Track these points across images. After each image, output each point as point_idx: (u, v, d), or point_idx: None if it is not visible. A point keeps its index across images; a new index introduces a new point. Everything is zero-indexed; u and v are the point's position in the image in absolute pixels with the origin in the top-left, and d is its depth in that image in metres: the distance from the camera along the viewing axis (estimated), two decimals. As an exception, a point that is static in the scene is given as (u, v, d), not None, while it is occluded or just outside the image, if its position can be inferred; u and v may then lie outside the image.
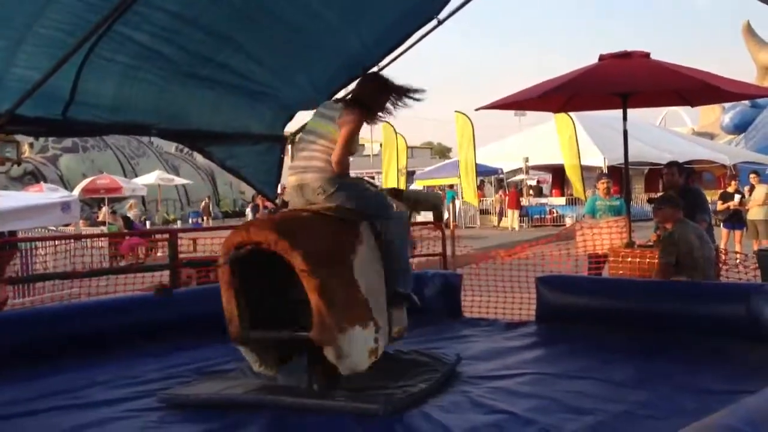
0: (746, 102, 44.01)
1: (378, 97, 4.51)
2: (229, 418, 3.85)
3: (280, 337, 4.20)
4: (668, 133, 39.74)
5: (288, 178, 4.45)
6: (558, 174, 34.12)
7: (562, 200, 32.97)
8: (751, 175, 15.96)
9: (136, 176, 34.50)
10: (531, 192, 36.23)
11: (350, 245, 4.21)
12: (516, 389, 4.26)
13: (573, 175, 30.49)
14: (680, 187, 7.54)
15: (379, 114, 4.57)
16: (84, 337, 5.43)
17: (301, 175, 4.32)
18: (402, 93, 4.52)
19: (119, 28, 5.26)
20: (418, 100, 4.55)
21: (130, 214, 21.67)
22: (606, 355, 4.97)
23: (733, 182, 15.05)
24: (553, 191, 34.66)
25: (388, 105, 4.54)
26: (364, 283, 4.18)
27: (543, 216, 30.54)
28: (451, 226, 13.46)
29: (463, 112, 30.65)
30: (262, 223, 4.45)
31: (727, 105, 46.25)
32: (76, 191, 25.32)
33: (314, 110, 4.72)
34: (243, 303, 4.17)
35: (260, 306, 4.23)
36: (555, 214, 30.20)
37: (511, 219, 29.02)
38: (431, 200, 5.70)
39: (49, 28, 5.00)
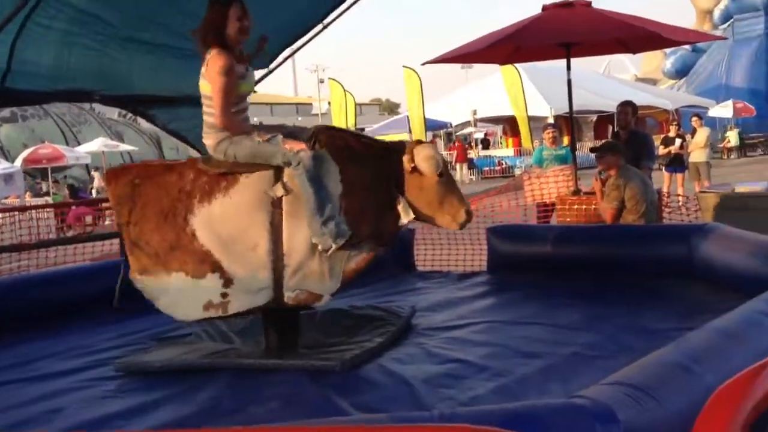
0: (687, 47, 44.72)
1: (224, 16, 3.99)
2: (187, 383, 3.87)
3: None
4: (612, 80, 40.25)
5: None
6: (510, 125, 34.34)
7: (510, 151, 33.25)
8: (693, 119, 16.27)
9: (79, 144, 33.69)
10: (479, 145, 36.46)
11: (199, 196, 4.07)
12: (469, 338, 4.37)
13: (521, 126, 30.82)
14: (630, 129, 7.68)
15: (238, 36, 4.03)
16: (35, 309, 5.37)
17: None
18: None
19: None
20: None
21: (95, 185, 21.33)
22: (555, 300, 5.10)
23: (673, 126, 15.33)
24: (512, 140, 34.65)
25: (240, 22, 4.00)
26: (209, 234, 4.03)
27: (492, 168, 30.80)
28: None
29: (410, 67, 30.66)
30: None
31: (668, 50, 46.94)
32: (18, 162, 24.71)
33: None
34: None
35: None
36: (504, 165, 30.48)
37: (459, 172, 29.21)
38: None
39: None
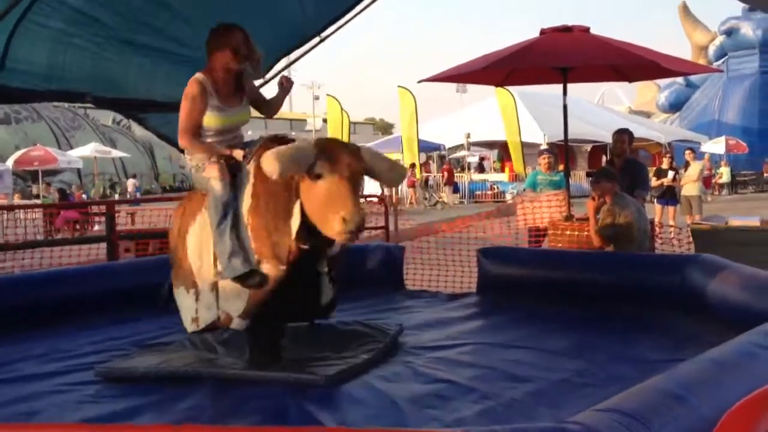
0: (681, 81, 45.17)
1: (214, 48, 4.17)
2: (168, 391, 3.79)
3: None
4: (606, 111, 40.48)
5: None
6: (506, 150, 34.36)
7: (503, 176, 33.27)
8: (687, 152, 16.32)
9: (72, 148, 33.56)
10: (472, 168, 36.50)
11: (194, 212, 4.29)
12: (457, 358, 4.30)
13: (514, 151, 30.88)
14: (625, 158, 7.64)
15: (223, 73, 4.17)
16: (17, 311, 5.27)
17: None
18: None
19: (52, -9, 5.09)
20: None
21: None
22: (544, 324, 5.04)
23: (666, 159, 15.35)
24: (509, 165, 34.56)
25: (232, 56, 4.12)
26: (191, 249, 4.25)
27: (484, 192, 30.81)
28: (394, 200, 13.46)
29: (406, 87, 30.75)
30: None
31: (662, 84, 47.39)
32: (9, 162, 24.54)
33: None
34: None
35: None
36: (496, 190, 30.50)
37: (446, 195, 29.23)
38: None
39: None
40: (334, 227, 3.51)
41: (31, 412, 3.56)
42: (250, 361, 4.11)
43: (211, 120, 4.13)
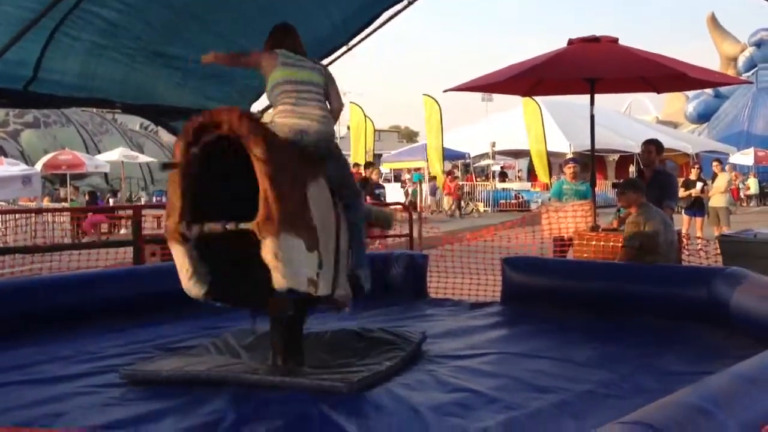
0: (709, 92, 44.68)
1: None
2: (191, 395, 3.82)
3: (217, 229, 3.68)
4: (633, 121, 40.15)
5: (285, 120, 4.07)
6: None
7: (527, 185, 33.12)
8: (714, 163, 16.14)
9: (99, 153, 33.85)
10: (496, 177, 36.41)
11: (309, 174, 3.92)
12: (480, 368, 4.29)
13: (539, 161, 30.74)
14: (654, 168, 7.59)
15: None
16: (44, 313, 5.34)
17: (307, 121, 4.08)
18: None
19: (87, 5, 5.17)
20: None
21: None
22: (569, 335, 5.03)
23: (694, 169, 15.21)
24: (531, 176, 34.40)
25: None
26: (315, 212, 3.84)
27: (508, 201, 30.67)
28: (419, 208, 13.45)
29: (431, 96, 30.73)
30: (229, 107, 3.82)
31: (690, 95, 46.88)
32: (38, 166, 24.82)
33: (290, 62, 4.28)
34: (190, 196, 3.71)
35: (209, 205, 3.77)
36: (521, 199, 30.35)
37: (447, 203, 28.96)
38: (382, 216, 5.37)
39: (13, 6, 4.90)
40: None
41: (57, 413, 3.60)
42: (274, 366, 4.13)
43: None
